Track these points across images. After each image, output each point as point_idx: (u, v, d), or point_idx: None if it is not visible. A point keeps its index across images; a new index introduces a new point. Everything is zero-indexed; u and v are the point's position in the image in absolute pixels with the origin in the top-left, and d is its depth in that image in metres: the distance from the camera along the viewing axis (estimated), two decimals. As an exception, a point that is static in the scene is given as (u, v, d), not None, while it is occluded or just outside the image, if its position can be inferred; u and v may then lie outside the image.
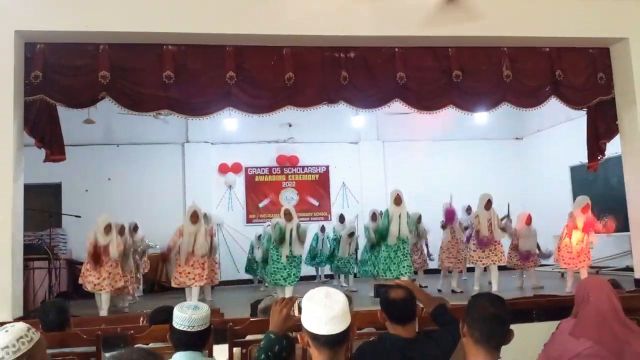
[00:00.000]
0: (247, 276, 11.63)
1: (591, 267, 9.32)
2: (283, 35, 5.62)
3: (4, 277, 4.93)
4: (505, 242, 8.81)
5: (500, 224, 8.37)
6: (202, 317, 2.33)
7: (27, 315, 5.26)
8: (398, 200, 7.84)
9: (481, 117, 10.46)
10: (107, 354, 3.01)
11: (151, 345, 3.00)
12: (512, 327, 2.05)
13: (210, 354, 3.06)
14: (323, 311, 1.80)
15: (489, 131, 12.29)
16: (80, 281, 7.29)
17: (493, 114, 7.86)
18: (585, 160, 7.14)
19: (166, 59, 5.60)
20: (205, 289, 8.34)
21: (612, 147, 6.94)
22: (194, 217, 7.63)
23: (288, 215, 7.73)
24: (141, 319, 4.08)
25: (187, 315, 2.31)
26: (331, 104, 6.09)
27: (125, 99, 5.64)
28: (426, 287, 8.83)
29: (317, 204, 12.96)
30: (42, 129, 5.72)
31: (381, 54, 6.03)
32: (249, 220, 12.60)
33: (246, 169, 12.76)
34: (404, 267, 7.73)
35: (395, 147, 12.98)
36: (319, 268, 11.62)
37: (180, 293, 8.13)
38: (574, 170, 11.09)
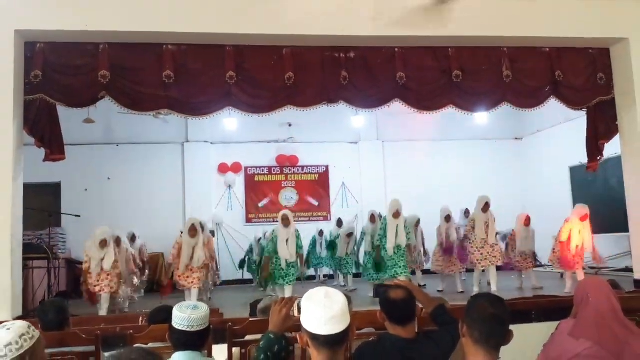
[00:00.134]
0: (247, 276, 11.63)
1: (590, 268, 9.35)
2: (283, 35, 5.61)
3: (4, 277, 4.93)
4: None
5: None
6: (201, 317, 2.33)
7: (27, 314, 5.26)
8: (397, 214, 7.90)
9: (481, 118, 10.46)
10: (107, 354, 3.01)
11: (150, 345, 3.00)
12: (511, 327, 2.06)
13: (210, 354, 3.05)
14: (322, 311, 1.80)
15: (488, 131, 12.30)
16: (82, 288, 7.35)
17: (493, 114, 7.87)
18: (584, 160, 7.14)
19: (166, 58, 5.59)
20: (204, 290, 8.38)
21: (612, 148, 6.94)
22: (193, 230, 7.68)
23: (285, 221, 7.74)
24: (140, 318, 4.09)
25: (186, 315, 2.31)
26: (331, 104, 6.09)
27: (125, 99, 5.63)
28: (424, 285, 8.86)
29: (316, 204, 12.97)
30: (41, 128, 5.72)
31: (381, 54, 6.03)
32: (248, 220, 12.60)
33: (246, 168, 12.77)
34: (399, 267, 7.85)
35: (395, 147, 12.99)
36: (318, 268, 11.63)
37: (179, 293, 8.15)
38: (574, 170, 11.09)
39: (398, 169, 12.76)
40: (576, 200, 10.41)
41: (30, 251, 7.01)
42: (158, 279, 11.03)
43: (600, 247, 8.76)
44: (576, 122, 8.85)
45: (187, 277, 7.65)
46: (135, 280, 8.69)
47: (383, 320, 2.54)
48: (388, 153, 13.04)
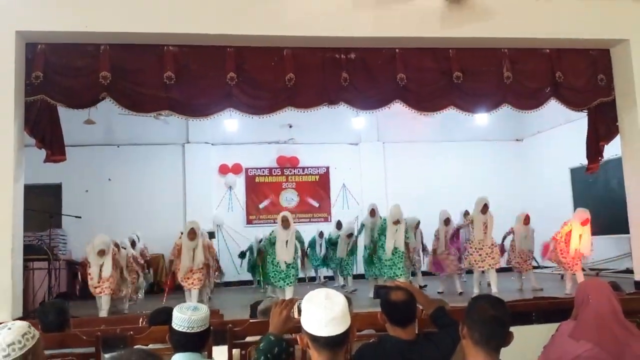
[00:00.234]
0: (247, 277, 11.63)
1: (591, 269, 9.35)
2: (283, 36, 5.61)
3: (4, 278, 4.93)
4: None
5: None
6: (201, 318, 2.33)
7: (27, 315, 5.25)
8: (397, 222, 7.95)
9: (481, 119, 10.46)
10: (107, 355, 3.01)
11: (150, 346, 3.00)
12: (511, 329, 2.06)
13: (210, 356, 3.05)
14: (323, 313, 1.80)
15: (489, 132, 12.31)
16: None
17: (493, 115, 7.88)
18: (585, 162, 7.14)
19: (167, 59, 5.59)
20: (203, 290, 8.39)
21: (612, 149, 6.94)
22: (192, 234, 7.71)
23: (285, 222, 7.75)
24: (141, 320, 4.08)
25: (186, 316, 2.31)
26: (331, 105, 6.08)
27: (126, 100, 5.63)
28: (425, 286, 8.86)
29: (317, 205, 12.97)
30: (42, 129, 5.72)
31: (381, 55, 6.03)
32: (249, 221, 12.61)
33: (246, 169, 12.77)
34: (398, 268, 7.98)
35: (396, 149, 12.99)
36: (318, 270, 11.63)
37: (180, 294, 8.16)
38: (574, 171, 11.09)
39: (398, 170, 12.77)
40: (577, 201, 10.43)
41: (31, 252, 7.04)
42: (159, 280, 11.05)
43: (600, 248, 8.78)
44: (576, 124, 8.85)
45: (188, 278, 7.67)
46: (140, 279, 8.73)
47: (383, 322, 2.54)
48: (388, 154, 13.04)
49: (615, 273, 9.30)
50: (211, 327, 2.42)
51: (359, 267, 10.04)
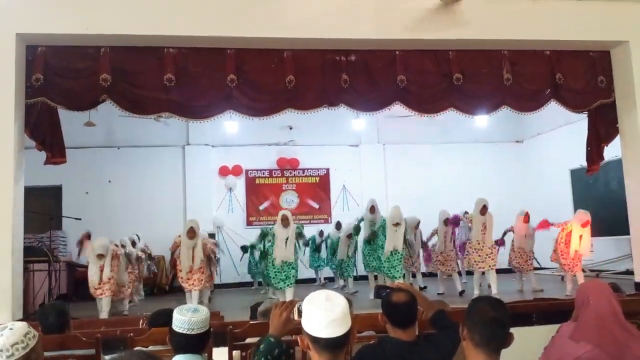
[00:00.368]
0: (247, 279, 11.63)
1: (591, 271, 9.35)
2: (283, 38, 5.62)
3: (4, 279, 4.93)
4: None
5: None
6: (201, 319, 2.33)
7: (27, 317, 5.25)
8: (397, 224, 7.97)
9: (481, 120, 10.47)
10: (107, 357, 3.01)
11: (151, 348, 3.00)
12: (512, 330, 2.05)
13: (210, 357, 3.06)
14: (323, 314, 1.80)
15: (489, 134, 12.32)
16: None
17: (493, 117, 7.89)
18: (584, 163, 7.14)
19: (167, 61, 5.60)
20: (203, 292, 8.38)
21: (612, 151, 6.94)
22: (191, 232, 7.68)
23: (285, 221, 7.75)
24: (141, 321, 4.08)
25: (186, 318, 2.31)
26: (331, 107, 6.09)
27: (126, 102, 5.65)
28: (425, 288, 8.86)
29: (317, 206, 12.97)
30: (42, 131, 5.72)
31: (382, 57, 6.04)
32: (249, 223, 12.60)
33: (246, 171, 12.78)
34: (397, 270, 8.00)
35: (396, 150, 12.99)
36: (319, 271, 11.62)
37: (180, 296, 8.16)
38: (574, 173, 11.09)
39: (399, 172, 12.76)
40: (577, 203, 10.42)
41: (31, 254, 7.03)
42: (159, 281, 11.05)
43: (600, 249, 8.77)
44: (576, 125, 8.85)
45: (188, 279, 7.65)
46: (145, 271, 8.75)
47: (384, 323, 2.53)
48: (389, 156, 13.05)
49: (616, 274, 9.30)
50: (211, 329, 2.42)
51: (360, 269, 10.02)
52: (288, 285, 7.65)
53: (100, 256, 7.22)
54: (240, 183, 12.73)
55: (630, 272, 7.58)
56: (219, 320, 4.25)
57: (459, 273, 9.44)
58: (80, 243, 8.47)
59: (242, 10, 5.51)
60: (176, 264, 8.07)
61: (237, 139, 11.91)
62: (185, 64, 5.67)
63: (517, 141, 13.61)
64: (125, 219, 10.78)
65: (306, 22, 5.56)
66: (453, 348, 2.43)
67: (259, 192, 12.82)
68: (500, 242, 8.57)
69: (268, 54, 5.83)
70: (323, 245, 11.15)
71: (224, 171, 12.61)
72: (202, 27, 5.46)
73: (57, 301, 6.72)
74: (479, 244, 8.03)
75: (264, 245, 8.50)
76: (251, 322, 3.48)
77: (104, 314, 7.01)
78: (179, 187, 12.21)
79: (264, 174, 12.88)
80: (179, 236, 7.90)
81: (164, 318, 2.94)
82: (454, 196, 10.89)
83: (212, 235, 10.86)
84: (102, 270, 7.21)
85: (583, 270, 8.01)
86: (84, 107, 5.87)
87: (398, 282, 7.11)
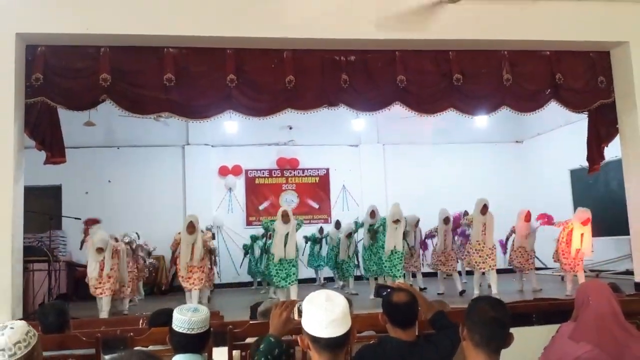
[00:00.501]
0: (247, 278, 11.63)
1: (591, 271, 9.35)
2: (283, 38, 5.62)
3: (4, 279, 4.93)
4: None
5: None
6: (201, 319, 2.33)
7: (27, 317, 5.25)
8: (397, 221, 7.96)
9: (481, 121, 10.47)
10: (107, 357, 3.01)
11: (151, 347, 3.00)
12: (512, 330, 2.05)
13: (210, 357, 3.06)
14: (324, 314, 1.80)
15: (489, 134, 12.32)
16: (86, 280, 7.38)
17: (493, 117, 7.89)
18: (584, 163, 7.14)
19: (167, 61, 5.60)
20: (202, 292, 8.38)
21: (612, 151, 6.95)
22: (191, 227, 7.67)
23: (285, 217, 7.73)
24: (141, 321, 4.09)
25: (186, 317, 2.31)
26: (331, 107, 6.09)
27: (126, 102, 5.64)
28: (425, 289, 8.86)
29: (317, 206, 12.97)
30: (42, 131, 5.72)
31: (381, 57, 6.03)
32: (248, 223, 12.61)
33: (246, 171, 12.78)
34: (397, 270, 7.99)
35: (396, 150, 13.00)
36: (319, 271, 11.62)
37: (180, 295, 8.16)
38: (574, 173, 11.10)
39: (398, 172, 12.77)
40: (577, 203, 10.41)
41: (31, 254, 7.03)
42: (159, 281, 11.05)
43: (600, 249, 8.77)
44: (576, 125, 8.85)
45: (188, 278, 7.64)
46: (147, 267, 8.72)
47: (384, 322, 2.53)
48: (388, 156, 13.05)
49: (615, 274, 9.30)
50: (211, 329, 2.42)
51: (360, 269, 10.02)
52: (290, 283, 7.62)
53: (100, 250, 7.18)
54: (240, 183, 12.73)
55: (630, 272, 7.59)
56: (219, 320, 4.25)
57: (459, 273, 9.44)
58: (86, 230, 8.37)
59: (241, 10, 5.51)
60: (177, 262, 8.06)
61: (236, 138, 11.91)
62: (185, 63, 5.67)
63: (516, 141, 13.62)
64: (125, 219, 10.76)
65: (306, 22, 5.56)
66: (453, 349, 2.43)
67: (259, 192, 12.83)
68: (504, 247, 8.58)
69: (268, 54, 5.83)
70: (323, 241, 11.15)
71: (223, 171, 12.61)
72: (201, 27, 5.46)
73: (56, 301, 6.73)
74: (479, 244, 8.02)
75: (265, 242, 8.49)
76: (251, 322, 3.49)
77: (104, 314, 7.00)
78: (179, 187, 12.21)
79: (263, 173, 12.88)
80: (179, 233, 7.86)
81: (164, 318, 2.94)
82: (453, 196, 10.89)
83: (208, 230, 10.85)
84: (102, 269, 7.19)
85: (583, 270, 8.00)
86: (84, 107, 5.87)
87: (398, 281, 7.10)
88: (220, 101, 5.86)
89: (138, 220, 10.85)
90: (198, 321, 2.31)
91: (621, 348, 2.70)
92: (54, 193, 11.26)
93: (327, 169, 13.07)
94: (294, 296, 7.35)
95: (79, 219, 8.98)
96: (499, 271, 8.18)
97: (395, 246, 8.03)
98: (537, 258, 8.99)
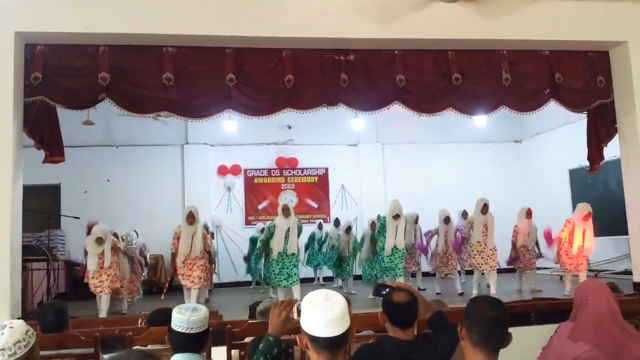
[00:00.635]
0: (246, 278, 11.63)
1: (590, 271, 9.34)
2: (283, 37, 5.62)
3: (3, 278, 4.93)
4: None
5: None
6: (200, 319, 2.33)
7: (26, 316, 5.25)
8: (397, 217, 7.91)
9: (480, 120, 10.46)
10: (106, 356, 3.01)
11: (149, 347, 3.00)
12: (510, 330, 2.05)
13: (209, 356, 3.06)
14: (322, 314, 1.80)
15: (488, 134, 12.32)
16: (85, 280, 7.35)
17: (492, 117, 7.88)
18: (583, 163, 7.14)
19: (166, 60, 5.60)
20: (201, 290, 8.36)
21: (611, 150, 6.95)
22: (190, 217, 7.59)
23: (286, 211, 7.69)
24: (139, 320, 4.09)
25: (185, 317, 2.31)
26: (330, 107, 6.09)
27: (125, 101, 5.64)
28: (424, 289, 8.86)
29: (316, 206, 12.97)
30: (41, 130, 5.72)
31: (381, 56, 6.04)
32: (248, 222, 12.60)
33: (245, 170, 12.77)
34: (398, 269, 7.94)
35: (395, 150, 12.99)
36: (318, 270, 11.62)
37: (179, 295, 8.14)
38: (573, 173, 11.11)
39: (398, 172, 12.76)
40: (576, 202, 10.37)
41: (30, 253, 7.02)
42: (157, 281, 11.04)
43: (599, 249, 8.76)
44: (576, 125, 8.86)
45: (188, 276, 7.59)
46: (144, 274, 8.71)
47: (383, 321, 2.53)
48: (388, 155, 13.04)
49: (614, 274, 9.30)
50: (210, 328, 2.42)
51: (359, 269, 10.01)
52: (292, 283, 7.57)
53: (99, 240, 7.13)
54: (239, 182, 12.72)
55: (628, 272, 7.60)
56: (218, 320, 4.25)
57: (459, 272, 9.45)
58: (89, 233, 8.32)
59: (241, 10, 5.51)
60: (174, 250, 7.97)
61: (235, 138, 11.89)
62: (185, 63, 5.67)
63: (516, 141, 13.62)
64: (124, 218, 10.74)
65: (306, 22, 5.56)
66: (451, 349, 2.43)
67: (258, 191, 12.82)
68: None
69: (267, 54, 5.83)
70: (322, 238, 11.13)
71: (222, 170, 12.61)
72: (201, 26, 5.46)
73: (55, 300, 6.72)
74: (479, 244, 7.99)
75: (264, 242, 8.44)
76: (250, 322, 3.49)
77: (102, 313, 6.99)
78: (178, 187, 12.20)
79: (262, 173, 12.87)
80: (179, 226, 7.81)
81: (163, 317, 2.94)
82: (453, 196, 10.90)
83: (211, 235, 10.84)
84: (101, 267, 7.17)
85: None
86: (83, 106, 5.87)
87: (398, 281, 7.07)
88: (220, 100, 5.86)
89: (137, 219, 10.83)
90: (197, 320, 2.31)
91: (620, 348, 2.70)
92: (52, 192, 11.24)
93: (326, 169, 13.07)
94: (296, 296, 7.29)
95: (78, 218, 8.97)
96: (499, 271, 8.17)
97: (396, 245, 7.92)
98: (540, 253, 8.89)
